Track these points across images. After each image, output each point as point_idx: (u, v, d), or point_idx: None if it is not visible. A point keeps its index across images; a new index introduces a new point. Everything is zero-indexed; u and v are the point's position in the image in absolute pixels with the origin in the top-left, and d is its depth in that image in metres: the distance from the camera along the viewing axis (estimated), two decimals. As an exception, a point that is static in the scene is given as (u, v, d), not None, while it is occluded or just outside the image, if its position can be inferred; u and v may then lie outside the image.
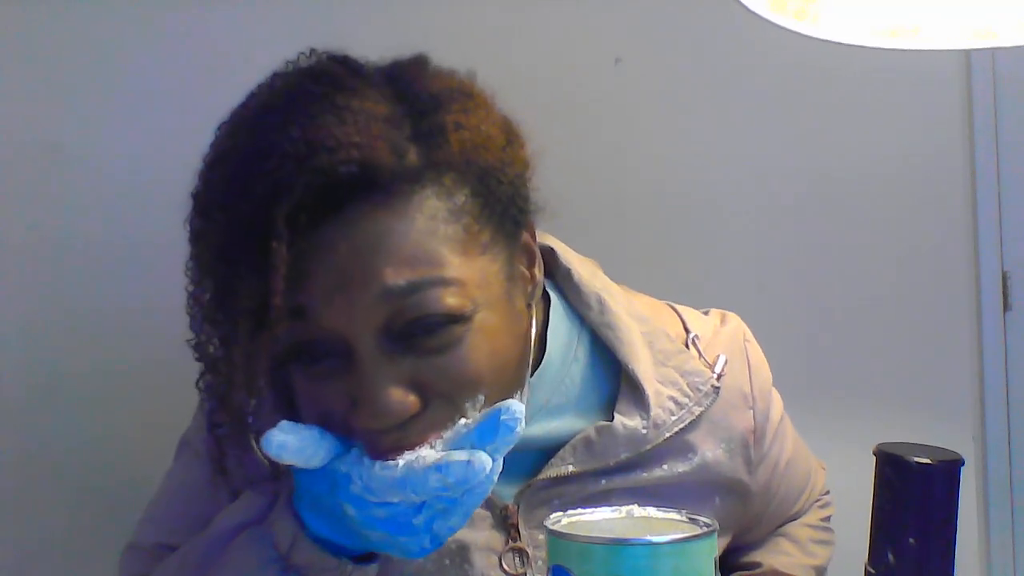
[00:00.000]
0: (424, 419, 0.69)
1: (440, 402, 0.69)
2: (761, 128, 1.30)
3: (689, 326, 0.88)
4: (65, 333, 1.19)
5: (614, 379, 0.84)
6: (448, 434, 0.70)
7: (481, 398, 0.70)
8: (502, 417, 0.69)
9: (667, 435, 0.81)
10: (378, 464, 0.69)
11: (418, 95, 0.70)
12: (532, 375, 0.79)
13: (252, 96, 0.72)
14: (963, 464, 0.78)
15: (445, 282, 0.67)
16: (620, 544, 0.61)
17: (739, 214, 1.30)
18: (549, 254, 0.86)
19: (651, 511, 0.69)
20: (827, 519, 1.01)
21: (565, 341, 0.83)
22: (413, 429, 0.69)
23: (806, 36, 0.82)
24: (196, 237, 0.70)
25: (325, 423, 0.71)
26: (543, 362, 0.81)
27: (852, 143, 1.31)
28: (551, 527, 0.65)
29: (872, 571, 0.79)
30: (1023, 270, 1.33)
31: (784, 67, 1.28)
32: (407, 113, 0.69)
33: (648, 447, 0.81)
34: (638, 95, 1.27)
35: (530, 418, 0.77)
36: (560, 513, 0.68)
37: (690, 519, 0.66)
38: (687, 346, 0.86)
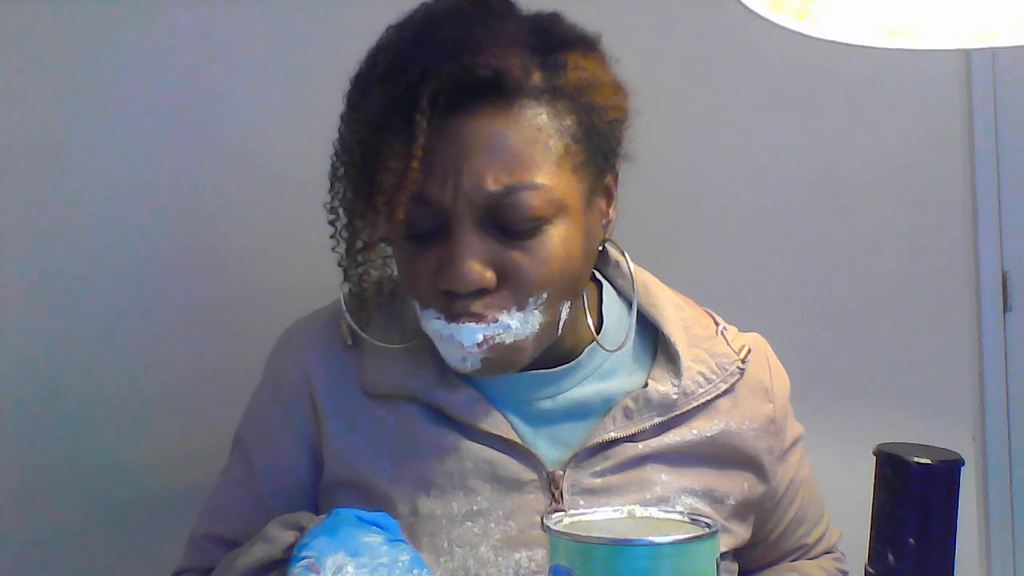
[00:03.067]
0: (491, 298, 0.81)
1: (510, 289, 0.82)
2: (761, 128, 1.30)
3: (719, 322, 0.97)
4: (65, 333, 1.19)
5: (654, 353, 0.94)
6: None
7: (545, 296, 0.82)
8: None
9: (694, 403, 0.90)
10: None
11: (551, 35, 0.84)
12: (591, 343, 0.91)
13: (419, 8, 0.84)
14: (963, 464, 0.78)
15: (535, 187, 0.80)
16: (622, 544, 0.61)
17: (739, 214, 1.30)
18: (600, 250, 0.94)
19: (653, 511, 0.69)
20: (844, 573, 1.04)
21: (618, 316, 0.94)
22: (479, 303, 0.81)
23: (806, 36, 0.82)
24: (353, 109, 0.82)
25: (415, 285, 0.84)
26: (602, 331, 0.92)
27: (852, 143, 1.31)
28: (552, 527, 0.64)
29: (872, 571, 0.79)
30: (1023, 270, 1.33)
31: (784, 67, 1.28)
32: (539, 46, 0.83)
33: (677, 412, 0.89)
34: (638, 95, 1.27)
35: (584, 380, 0.90)
36: (562, 513, 0.68)
37: (692, 520, 0.66)
38: (716, 336, 0.95)
